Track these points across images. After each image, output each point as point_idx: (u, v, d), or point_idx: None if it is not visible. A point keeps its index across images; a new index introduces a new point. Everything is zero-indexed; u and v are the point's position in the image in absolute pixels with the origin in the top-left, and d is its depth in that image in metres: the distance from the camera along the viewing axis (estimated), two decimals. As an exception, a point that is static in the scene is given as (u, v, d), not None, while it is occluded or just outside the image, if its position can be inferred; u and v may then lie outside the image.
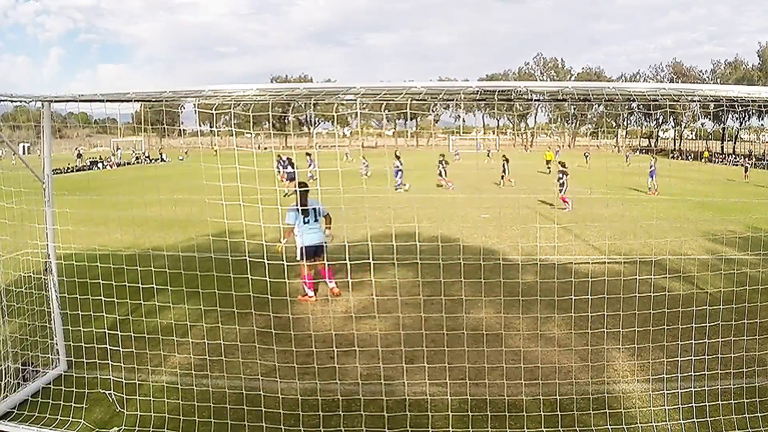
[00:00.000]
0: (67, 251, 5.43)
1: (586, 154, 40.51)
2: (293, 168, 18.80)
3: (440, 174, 23.72)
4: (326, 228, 7.40)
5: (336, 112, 5.04)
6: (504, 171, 23.87)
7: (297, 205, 6.97)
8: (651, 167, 22.50)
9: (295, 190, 7.21)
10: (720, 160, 52.71)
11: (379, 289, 7.22)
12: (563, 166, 17.58)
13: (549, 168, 32.30)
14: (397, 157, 24.67)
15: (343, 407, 4.42)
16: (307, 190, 7.10)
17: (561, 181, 17.14)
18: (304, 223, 7.16)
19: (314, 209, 7.14)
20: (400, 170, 23.03)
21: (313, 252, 7.22)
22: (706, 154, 56.76)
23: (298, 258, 7.31)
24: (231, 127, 4.43)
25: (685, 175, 28.77)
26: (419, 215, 14.97)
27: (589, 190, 22.11)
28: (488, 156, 42.40)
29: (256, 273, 4.31)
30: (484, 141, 71.67)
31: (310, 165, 24.98)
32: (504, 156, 25.13)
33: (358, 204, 15.05)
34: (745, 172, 30.50)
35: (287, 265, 7.18)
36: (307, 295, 7.39)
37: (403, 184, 22.63)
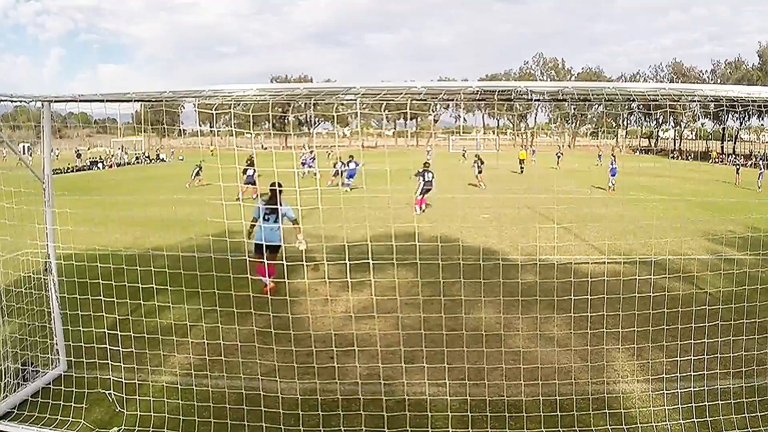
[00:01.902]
0: (67, 251, 5.42)
1: (558, 155, 38.71)
2: (253, 171, 17.89)
3: (478, 174, 23.42)
4: (296, 234, 7.53)
5: (336, 112, 5.04)
6: (479, 171, 23.69)
7: (263, 203, 7.35)
8: (611, 165, 22.85)
9: (272, 189, 7.37)
10: (720, 160, 52.56)
11: (379, 289, 7.22)
12: (425, 165, 16.61)
13: (522, 168, 32.72)
14: (351, 158, 23.58)
15: (343, 407, 4.42)
16: (279, 190, 7.18)
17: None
18: (265, 220, 7.32)
19: (278, 210, 7.29)
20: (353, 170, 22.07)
21: (261, 248, 7.33)
22: (714, 154, 55.84)
23: (252, 251, 7.45)
24: (231, 127, 4.44)
25: (685, 175, 28.80)
26: (419, 215, 14.99)
27: (589, 190, 22.16)
28: (463, 156, 41.78)
29: (256, 273, 4.31)
30: (485, 141, 71.71)
31: (304, 164, 24.80)
32: (477, 156, 25.05)
33: (357, 204, 15.07)
34: (737, 173, 28.17)
35: (287, 265, 7.20)
36: (266, 286, 7.34)
37: (348, 185, 21.43)
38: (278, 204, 7.19)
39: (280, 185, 6.96)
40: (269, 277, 7.45)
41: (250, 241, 7.14)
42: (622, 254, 9.50)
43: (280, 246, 7.43)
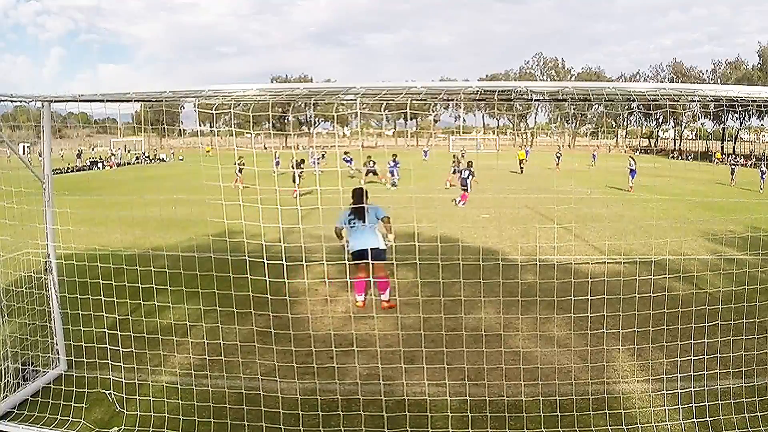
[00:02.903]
0: (67, 251, 5.42)
1: (558, 155, 37.55)
2: (300, 171, 18.63)
3: (454, 172, 23.80)
4: (387, 232, 6.98)
5: (336, 112, 5.04)
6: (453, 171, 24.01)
7: (349, 208, 6.81)
8: (631, 167, 23.32)
9: (356, 191, 6.87)
10: (721, 160, 52.40)
11: (379, 289, 7.21)
12: (468, 165, 18.49)
13: (521, 168, 33.03)
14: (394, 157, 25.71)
15: (343, 407, 4.42)
16: (361, 193, 6.78)
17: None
18: (351, 226, 6.83)
19: (364, 213, 6.74)
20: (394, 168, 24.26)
21: (360, 256, 6.72)
22: (719, 155, 54.99)
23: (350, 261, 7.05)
24: (231, 127, 4.43)
25: (685, 176, 28.79)
26: (419, 215, 14.98)
27: (589, 191, 22.16)
28: (460, 157, 41.77)
29: (256, 273, 4.31)
30: (484, 141, 71.75)
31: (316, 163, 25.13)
32: (454, 155, 25.96)
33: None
34: (732, 174, 27.39)
35: (287, 265, 7.19)
36: (356, 300, 7.07)
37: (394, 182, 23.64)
38: (372, 207, 6.77)
39: (361, 189, 6.67)
40: (381, 292, 7.00)
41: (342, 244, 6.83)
42: (622, 254, 9.49)
43: (383, 250, 6.80)
